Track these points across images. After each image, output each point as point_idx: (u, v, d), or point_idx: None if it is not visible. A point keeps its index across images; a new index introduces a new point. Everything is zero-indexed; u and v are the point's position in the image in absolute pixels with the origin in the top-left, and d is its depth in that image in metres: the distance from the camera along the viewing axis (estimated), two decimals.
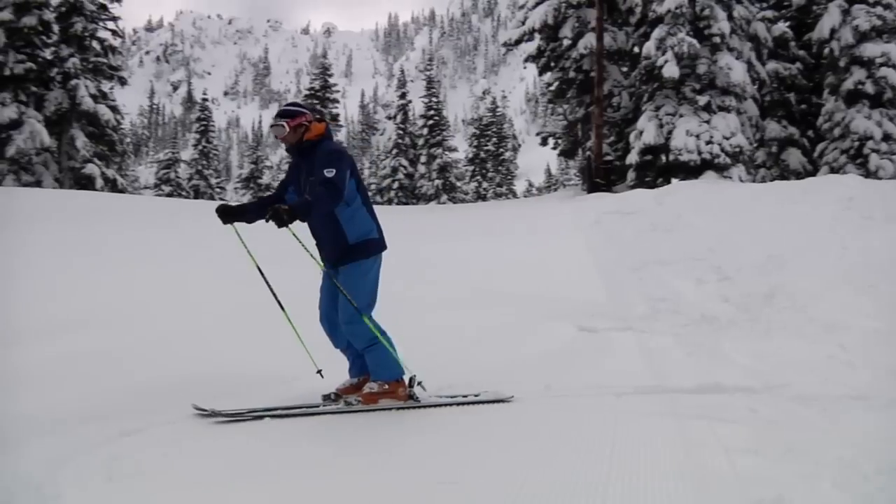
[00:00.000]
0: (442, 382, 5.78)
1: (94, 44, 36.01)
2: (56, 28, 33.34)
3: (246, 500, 3.71)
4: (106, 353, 6.81)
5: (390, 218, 7.80)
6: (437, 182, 51.49)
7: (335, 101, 52.14)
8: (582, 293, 10.01)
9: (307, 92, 52.39)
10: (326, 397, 5.36)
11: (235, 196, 62.81)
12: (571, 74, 30.00)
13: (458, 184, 54.27)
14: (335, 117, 51.47)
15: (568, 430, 4.88)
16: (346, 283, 5.28)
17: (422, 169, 52.35)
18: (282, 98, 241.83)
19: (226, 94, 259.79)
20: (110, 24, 37.37)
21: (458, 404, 5.42)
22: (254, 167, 60.01)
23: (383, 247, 5.54)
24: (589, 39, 28.05)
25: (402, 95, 54.50)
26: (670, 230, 14.04)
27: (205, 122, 58.72)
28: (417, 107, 55.40)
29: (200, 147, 57.69)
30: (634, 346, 7.37)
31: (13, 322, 7.61)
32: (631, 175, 26.44)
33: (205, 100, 61.47)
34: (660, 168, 25.71)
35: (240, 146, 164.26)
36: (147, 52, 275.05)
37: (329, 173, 5.07)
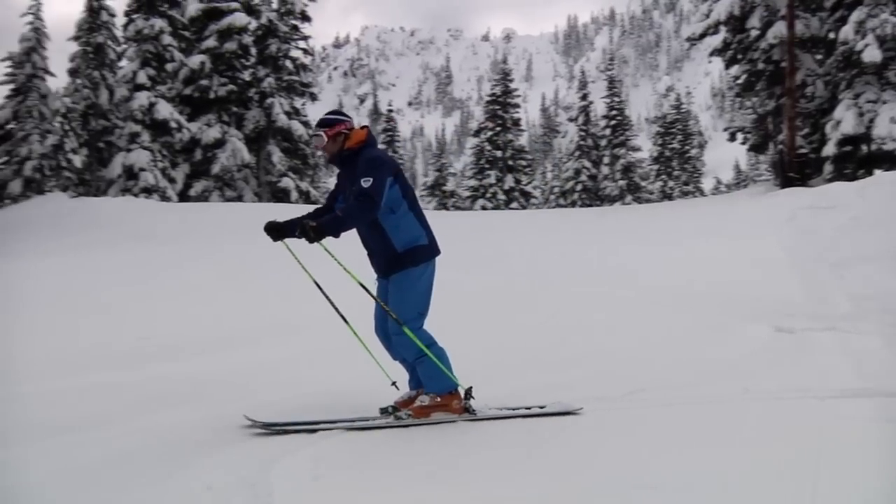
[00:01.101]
0: (636, 385, 5.72)
1: (288, 63, 37.90)
2: (253, 51, 35.35)
3: (446, 500, 3.76)
4: (305, 357, 7.14)
5: (573, 221, 7.76)
6: (621, 183, 50.68)
7: (516, 105, 52.38)
8: (777, 292, 9.62)
9: (488, 98, 52.91)
10: (384, 410, 5.21)
11: (422, 204, 64.12)
12: (760, 66, 28.72)
13: (643, 184, 53.19)
14: (516, 122, 51.71)
15: (769, 434, 4.69)
16: (395, 293, 5.18)
17: (605, 170, 51.70)
18: (464, 106, 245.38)
19: (410, 104, 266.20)
20: (301, 44, 39.33)
21: (520, 416, 5.20)
22: (438, 174, 61.14)
23: (434, 253, 5.31)
24: (779, 28, 26.77)
25: (584, 97, 54.07)
26: (876, 224, 13.19)
27: (390, 133, 60.41)
28: (599, 107, 54.76)
29: None
30: (837, 346, 6.99)
31: (227, 328, 8.14)
32: (828, 168, 25.05)
33: (390, 111, 63.23)
34: (860, 159, 24.24)
35: (424, 154, 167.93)
36: (335, 68, 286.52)
37: (365, 183, 4.92)
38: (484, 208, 47.23)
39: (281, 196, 35.45)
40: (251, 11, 35.78)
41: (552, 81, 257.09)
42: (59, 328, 8.50)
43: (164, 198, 30.95)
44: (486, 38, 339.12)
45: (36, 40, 34.29)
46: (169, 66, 33.85)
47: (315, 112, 40.06)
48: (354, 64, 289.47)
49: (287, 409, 5.35)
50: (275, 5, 37.92)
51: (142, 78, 32.50)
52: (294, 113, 37.66)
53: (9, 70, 34.15)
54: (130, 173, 31.45)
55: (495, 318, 8.94)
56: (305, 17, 39.20)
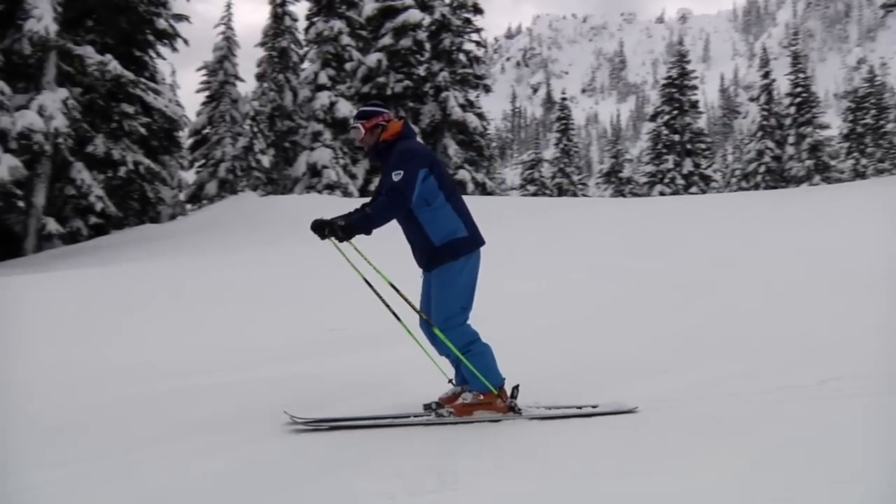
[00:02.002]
0: (830, 373, 5.46)
1: (461, 56, 38.32)
2: (428, 46, 35.96)
3: (657, 490, 3.71)
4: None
5: (756, 204, 7.43)
6: (808, 163, 48.06)
7: (693, 87, 50.78)
8: None
9: (664, 81, 51.59)
10: (427, 406, 5.03)
11: (598, 191, 63.41)
12: None
13: (832, 163, 50.22)
14: (694, 104, 50.13)
15: None
16: (437, 288, 5.02)
17: (790, 150, 49.18)
18: (639, 90, 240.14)
19: (583, 91, 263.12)
20: (474, 37, 39.69)
21: (570, 416, 4.98)
22: (614, 161, 60.26)
23: (475, 244, 5.07)
24: None
25: (766, 75, 51.61)
26: None
27: (564, 121, 60.05)
28: (782, 85, 52.10)
29: (561, 145, 59.09)
30: None
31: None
32: None
33: (563, 99, 62.80)
34: None
35: (599, 141, 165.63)
36: (507, 59, 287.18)
37: (396, 176, 4.78)
38: (662, 194, 46.10)
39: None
40: (425, 7, 36.46)
41: (731, 61, 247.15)
42: (253, 320, 8.95)
43: (346, 193, 32.07)
44: (660, 19, 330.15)
45: (227, 49, 36.41)
46: (348, 66, 35.01)
47: (489, 104, 40.43)
48: (527, 53, 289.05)
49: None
50: (447, 0, 38.46)
51: (323, 78, 33.80)
52: (468, 105, 38.11)
53: (204, 78, 36.41)
54: (314, 171, 32.80)
55: (677, 305, 8.71)
56: (478, 10, 39.56)
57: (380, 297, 5.15)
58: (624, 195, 53.09)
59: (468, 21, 39.49)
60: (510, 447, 4.34)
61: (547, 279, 10.38)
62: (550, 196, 52.21)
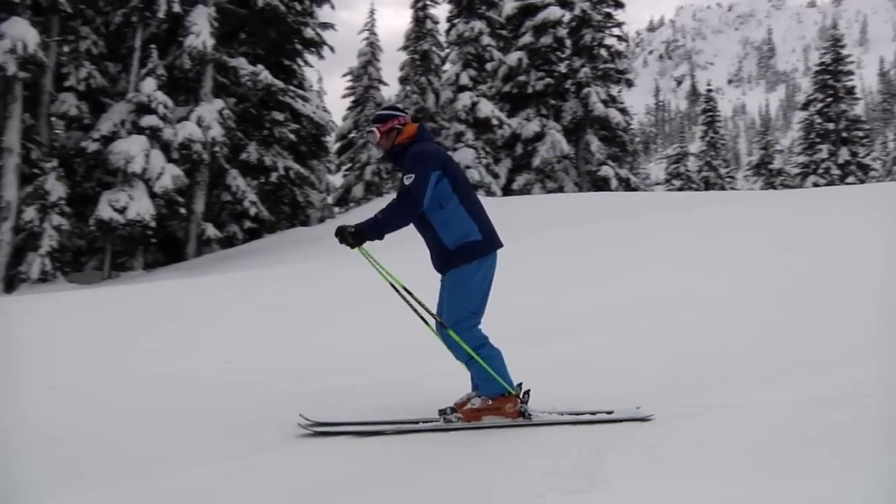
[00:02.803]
0: None
1: (602, 51, 37.85)
2: (568, 42, 35.71)
3: (826, 490, 3.58)
4: (629, 346, 7.12)
5: None
6: None
7: (849, 73, 48.31)
8: None
9: (817, 68, 49.31)
10: (442, 411, 4.89)
11: (746, 184, 61.28)
12: None
13: None
14: (850, 91, 47.69)
15: None
16: (448, 291, 4.92)
17: None
18: (789, 79, 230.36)
19: (730, 81, 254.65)
20: (615, 31, 39.10)
21: (583, 423, 4.78)
22: (763, 153, 58.01)
23: (490, 247, 4.93)
24: None
25: None
26: None
27: (710, 113, 58.36)
28: None
29: (707, 138, 57.42)
30: None
31: (558, 316, 8.32)
32: None
33: (709, 90, 61.04)
34: None
35: (747, 133, 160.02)
36: (650, 52, 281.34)
37: (407, 180, 4.71)
38: (815, 185, 44.07)
39: (601, 185, 35.55)
40: (565, 4, 36.18)
41: (892, 42, 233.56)
42: (399, 320, 9.08)
43: (489, 193, 32.21)
44: (811, 4, 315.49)
45: (371, 54, 37.31)
46: (489, 66, 35.16)
47: (631, 98, 39.80)
48: (670, 46, 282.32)
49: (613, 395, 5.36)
50: None
51: (464, 79, 34.06)
52: (611, 101, 37.58)
53: (349, 84, 37.42)
54: None
55: (835, 299, 8.30)
56: (618, 4, 38.95)
57: (408, 303, 5.02)
58: (775, 187, 51.03)
59: (609, 16, 38.95)
60: (663, 447, 4.26)
61: (694, 275, 10.11)
62: (697, 190, 50.83)
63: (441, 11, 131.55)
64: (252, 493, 3.81)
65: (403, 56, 36.96)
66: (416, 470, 4.08)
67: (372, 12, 37.63)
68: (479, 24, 34.60)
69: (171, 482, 3.99)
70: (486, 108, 33.32)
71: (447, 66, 36.76)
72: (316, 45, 28.96)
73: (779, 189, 47.37)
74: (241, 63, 25.88)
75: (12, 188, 21.59)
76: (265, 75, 25.65)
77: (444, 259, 4.90)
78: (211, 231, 25.13)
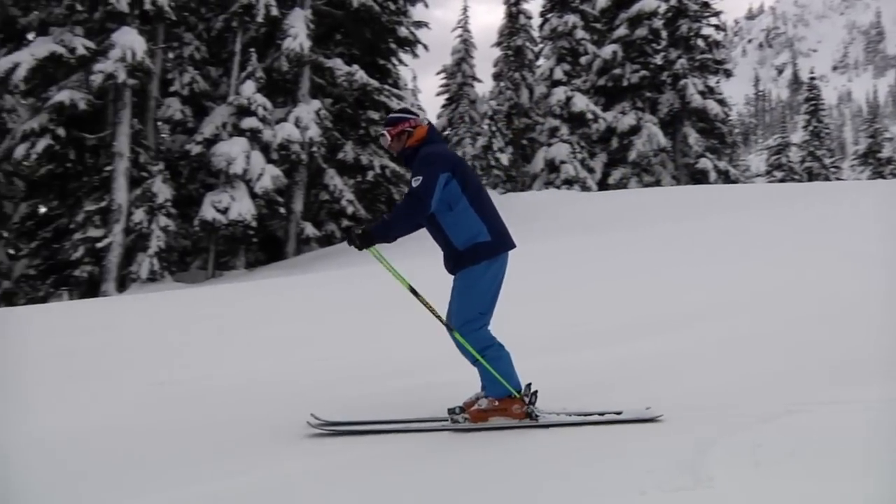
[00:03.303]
0: None
1: (699, 42, 37.11)
2: (664, 34, 35.14)
3: None
4: (733, 342, 6.97)
5: None
6: None
7: None
8: None
9: None
10: (452, 411, 4.87)
11: (853, 174, 59.12)
12: None
13: None
14: None
15: None
16: (456, 292, 4.88)
17: None
18: None
19: (834, 68, 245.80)
20: (713, 20, 38.26)
21: (589, 424, 4.68)
22: (871, 141, 55.93)
23: (499, 249, 4.87)
24: None
25: None
26: None
27: (814, 102, 56.55)
28: None
29: (811, 127, 55.64)
30: None
31: (652, 313, 8.21)
32: None
33: (812, 78, 59.14)
34: None
35: (853, 121, 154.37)
36: (749, 41, 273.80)
37: (415, 182, 4.69)
38: None
39: (699, 177, 34.85)
40: None
41: None
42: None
43: (585, 188, 31.97)
44: None
45: (465, 51, 37.44)
46: (583, 60, 34.88)
47: (730, 89, 38.87)
48: (770, 34, 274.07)
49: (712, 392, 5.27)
50: None
51: (558, 74, 33.86)
52: (708, 92, 36.82)
53: (443, 81, 37.63)
54: (552, 166, 32.94)
55: None
56: None
57: (427, 305, 5.00)
58: (883, 177, 49.09)
59: (706, 5, 38.12)
60: (768, 445, 4.16)
61: (797, 269, 9.81)
62: (799, 181, 49.28)
63: (534, 6, 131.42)
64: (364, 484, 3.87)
65: (497, 52, 37.04)
66: (508, 468, 4.10)
67: (465, 9, 37.77)
68: (572, 18, 34.34)
69: (274, 477, 4.10)
70: (581, 103, 33.07)
71: (541, 61, 36.64)
72: (410, 44, 29.19)
73: (888, 179, 45.54)
74: (337, 63, 26.30)
75: (122, 191, 22.49)
76: (360, 75, 26.00)
77: (454, 260, 4.90)
78: (310, 230, 25.64)
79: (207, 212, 22.75)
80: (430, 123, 5.11)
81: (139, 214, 22.34)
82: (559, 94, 33.33)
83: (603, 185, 33.82)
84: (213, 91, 26.62)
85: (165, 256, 22.70)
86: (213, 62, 27.22)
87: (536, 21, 36.54)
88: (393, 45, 29.34)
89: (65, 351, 8.82)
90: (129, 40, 21.82)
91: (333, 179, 26.50)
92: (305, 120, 24.41)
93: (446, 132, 37.61)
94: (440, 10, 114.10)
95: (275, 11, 24.58)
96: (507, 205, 24.24)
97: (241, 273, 23.55)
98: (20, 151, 22.35)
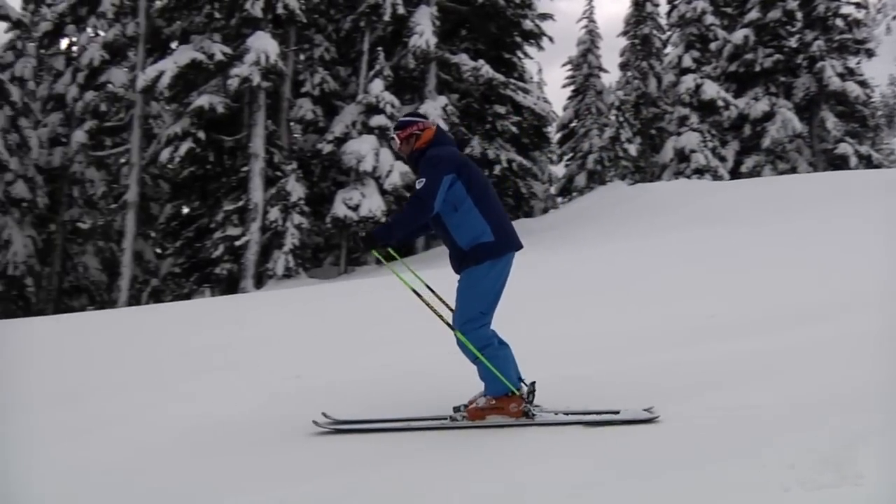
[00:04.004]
0: None
1: (838, 21, 35.50)
2: (799, 15, 33.83)
3: None
4: (879, 334, 6.67)
5: None
6: None
7: None
8: None
9: None
10: (457, 409, 4.96)
11: None
12: None
13: None
14: None
15: None
16: (459, 291, 4.93)
17: None
18: None
19: None
20: None
21: (587, 423, 4.66)
22: None
23: (503, 249, 4.90)
24: None
25: None
26: None
27: None
28: None
29: None
30: None
31: (787, 305, 7.94)
32: None
33: None
34: None
35: None
36: (894, 17, 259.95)
37: (418, 184, 4.79)
38: None
39: (838, 163, 33.36)
40: None
41: None
42: (621, 309, 8.98)
43: (716, 177, 31.13)
44: None
45: (590, 42, 37.05)
46: (713, 46, 33.94)
47: (872, 69, 36.90)
48: None
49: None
50: None
51: (687, 61, 33.06)
52: (848, 73, 35.16)
53: (569, 73, 37.35)
54: (682, 156, 32.21)
55: None
56: None
57: (431, 308, 5.12)
58: None
59: None
60: None
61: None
62: None
63: None
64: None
65: (623, 42, 36.54)
66: (644, 467, 4.06)
67: (590, 0, 37.29)
68: (701, 4, 33.44)
69: (416, 468, 4.19)
70: (711, 90, 32.20)
71: (669, 49, 35.89)
72: (535, 37, 29.07)
73: None
74: (463, 59, 26.47)
75: (259, 191, 23.31)
76: (486, 70, 26.08)
77: (458, 260, 4.98)
78: None
79: (339, 209, 23.30)
80: (437, 126, 5.23)
81: (274, 213, 23.09)
82: (688, 81, 32.54)
83: (735, 174, 32.83)
84: (342, 90, 27.26)
85: (299, 253, 23.40)
86: (342, 62, 27.88)
87: (664, 8, 35.83)
88: (518, 39, 29.30)
89: (210, 344, 9.26)
90: (263, 44, 22.60)
91: None
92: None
93: (572, 124, 37.30)
94: (565, 2, 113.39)
95: (401, 10, 24.93)
96: (635, 196, 23.92)
97: (371, 268, 24.03)
98: (165, 155, 23.53)
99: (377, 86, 24.18)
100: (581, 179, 34.70)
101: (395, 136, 5.22)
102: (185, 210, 26.63)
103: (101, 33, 28.33)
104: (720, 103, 32.21)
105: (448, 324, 5.01)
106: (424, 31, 24.64)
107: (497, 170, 27.56)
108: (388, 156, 23.55)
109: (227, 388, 6.86)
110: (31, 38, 30.51)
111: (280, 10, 23.54)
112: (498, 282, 4.94)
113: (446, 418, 4.99)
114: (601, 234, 19.23)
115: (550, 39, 29.16)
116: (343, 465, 4.46)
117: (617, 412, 4.74)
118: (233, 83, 22.47)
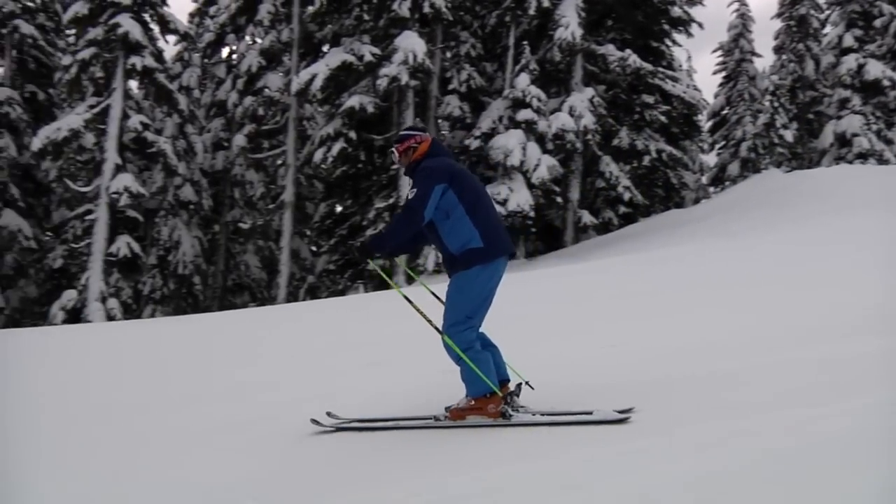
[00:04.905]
0: None
1: None
2: None
3: None
4: None
5: None
6: None
7: None
8: None
9: None
10: (448, 408, 5.20)
11: None
12: None
13: None
14: None
15: None
16: (448, 295, 5.10)
17: None
18: None
19: None
20: None
21: (560, 424, 4.76)
22: None
23: (490, 256, 5.03)
24: None
25: None
26: None
27: None
28: None
29: None
30: None
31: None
32: None
33: None
34: None
35: None
36: None
37: (410, 194, 4.97)
38: None
39: None
40: None
41: None
42: (788, 300, 8.65)
43: (882, 161, 29.48)
44: None
45: (742, 25, 35.83)
46: (877, 23, 32.18)
47: None
48: None
49: None
50: None
51: (848, 40, 31.49)
52: None
53: (720, 59, 36.26)
54: (843, 140, 30.70)
55: None
56: None
57: (421, 313, 5.30)
58: None
59: None
60: None
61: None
62: None
63: None
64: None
65: (778, 24, 35.20)
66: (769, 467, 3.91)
67: None
68: None
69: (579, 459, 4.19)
70: (876, 69, 30.51)
71: (828, 29, 34.28)
72: (684, 24, 28.37)
73: None
74: (610, 49, 26.15)
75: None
76: (633, 59, 25.66)
77: (450, 264, 5.17)
78: (587, 218, 25.71)
79: None
80: (432, 138, 5.42)
81: None
82: (850, 62, 30.95)
83: None
84: (488, 86, 27.44)
85: None
86: (487, 58, 28.06)
87: None
88: (666, 26, 28.68)
89: (368, 338, 9.58)
90: (411, 43, 23.04)
91: (609, 166, 26.40)
92: (579, 108, 24.50)
93: (724, 112, 36.16)
94: None
95: (546, 3, 24.83)
96: (793, 184, 22.94)
97: (521, 262, 24.10)
98: (318, 155, 24.39)
99: (523, 80, 24.20)
100: (734, 168, 33.60)
101: (393, 149, 5.49)
102: (339, 208, 27.50)
103: (258, 40, 29.61)
104: (886, 83, 30.49)
105: (437, 328, 5.20)
106: (570, 22, 24.46)
107: (646, 160, 27.10)
108: (535, 150, 23.54)
109: (387, 380, 7.06)
110: (195, 49, 32.35)
111: (427, 9, 23.94)
112: (487, 286, 5.10)
113: (430, 418, 5.23)
114: (757, 223, 18.58)
115: (700, 25, 28.39)
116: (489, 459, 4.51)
117: (590, 413, 4.82)
118: (382, 83, 23.02)
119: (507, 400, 5.03)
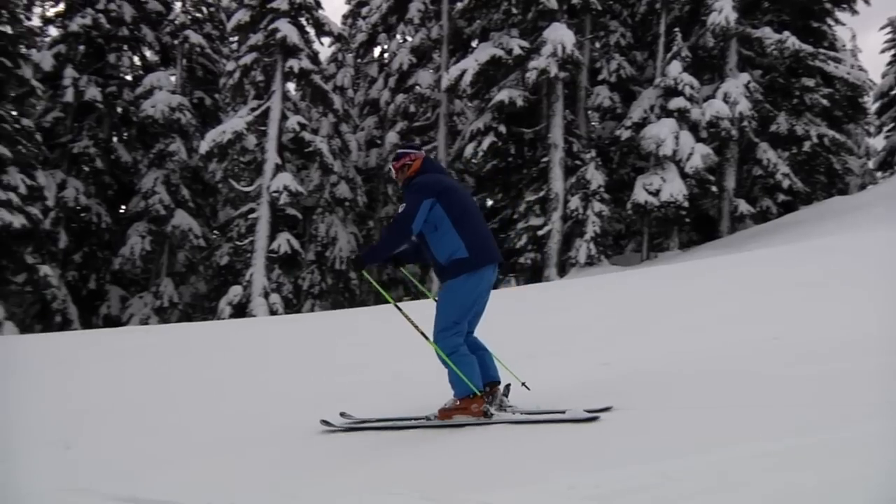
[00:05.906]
0: None
1: None
2: None
3: None
4: None
5: None
6: None
7: None
8: None
9: None
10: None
11: None
12: None
13: None
14: None
15: None
16: (439, 302, 5.48)
17: None
18: None
19: None
20: None
21: (536, 422, 5.05)
22: None
23: (477, 264, 5.39)
24: None
25: None
26: None
27: None
28: None
29: None
30: None
31: None
32: None
33: None
34: None
35: None
36: None
37: (401, 208, 5.35)
38: None
39: None
40: None
41: None
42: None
43: None
44: None
45: None
46: None
47: None
48: None
49: None
50: None
51: None
52: None
53: (888, 36, 34.26)
54: None
55: None
56: None
57: (410, 322, 5.65)
58: None
59: None
60: None
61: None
62: None
63: None
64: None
65: None
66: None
67: None
68: None
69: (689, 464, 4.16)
70: None
71: None
72: (847, 1, 26.99)
73: None
74: (766, 32, 25.19)
75: (559, 180, 23.81)
76: (792, 41, 24.61)
77: (439, 273, 5.54)
78: (743, 207, 24.92)
79: (639, 195, 23.14)
80: (425, 156, 5.81)
81: (575, 202, 23.44)
82: None
83: None
84: (639, 75, 27.05)
85: (601, 241, 23.55)
86: (638, 46, 27.67)
87: None
88: (828, 5, 27.34)
89: (516, 331, 9.71)
90: (559, 35, 23.02)
91: (766, 153, 25.48)
92: (734, 94, 23.76)
93: (893, 92, 34.12)
94: None
95: None
96: None
97: (675, 254, 23.68)
98: (469, 150, 24.74)
99: (675, 67, 23.72)
100: None
101: (389, 167, 6.05)
102: (490, 202, 27.76)
103: (409, 38, 30.28)
104: None
105: (426, 337, 5.53)
106: (724, 6, 23.73)
107: (806, 146, 25.99)
108: (688, 138, 23.04)
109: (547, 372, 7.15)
110: (349, 50, 33.37)
111: (575, 0, 23.82)
112: (474, 293, 5.45)
113: (423, 418, 5.55)
114: None
115: (866, 1, 26.92)
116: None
117: (563, 412, 5.02)
118: (531, 76, 23.13)
119: (488, 400, 5.38)
